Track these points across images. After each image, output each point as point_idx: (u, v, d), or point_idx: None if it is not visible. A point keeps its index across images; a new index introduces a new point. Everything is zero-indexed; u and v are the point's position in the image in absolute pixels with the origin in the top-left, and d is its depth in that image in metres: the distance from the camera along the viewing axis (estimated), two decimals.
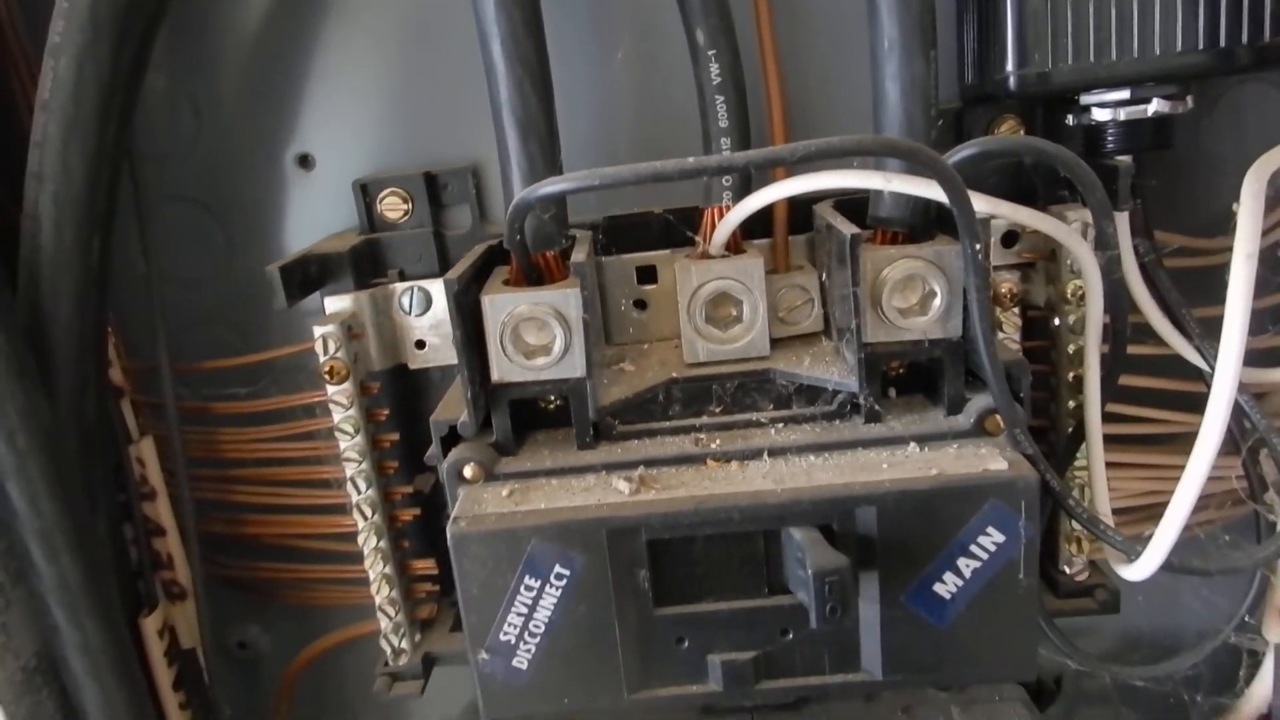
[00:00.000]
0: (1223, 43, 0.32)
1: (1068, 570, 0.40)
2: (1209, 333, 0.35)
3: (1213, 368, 0.34)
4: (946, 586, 0.32)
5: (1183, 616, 0.43)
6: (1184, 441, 0.38)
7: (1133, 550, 0.32)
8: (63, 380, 0.33)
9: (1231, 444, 0.36)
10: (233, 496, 0.44)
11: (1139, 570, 0.32)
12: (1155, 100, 0.33)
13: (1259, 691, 0.40)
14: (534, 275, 0.35)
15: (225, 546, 0.45)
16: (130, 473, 0.41)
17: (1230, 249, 0.31)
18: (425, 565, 0.42)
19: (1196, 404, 0.37)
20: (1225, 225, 0.36)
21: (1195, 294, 0.37)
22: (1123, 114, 0.34)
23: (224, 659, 0.49)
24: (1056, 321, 0.37)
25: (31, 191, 0.32)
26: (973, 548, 0.32)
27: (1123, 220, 0.36)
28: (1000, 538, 0.31)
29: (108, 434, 0.39)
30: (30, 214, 0.32)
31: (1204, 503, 0.39)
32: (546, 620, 0.33)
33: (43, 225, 0.32)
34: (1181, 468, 0.36)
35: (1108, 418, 0.39)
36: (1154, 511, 0.40)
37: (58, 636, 0.34)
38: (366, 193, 0.42)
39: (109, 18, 0.30)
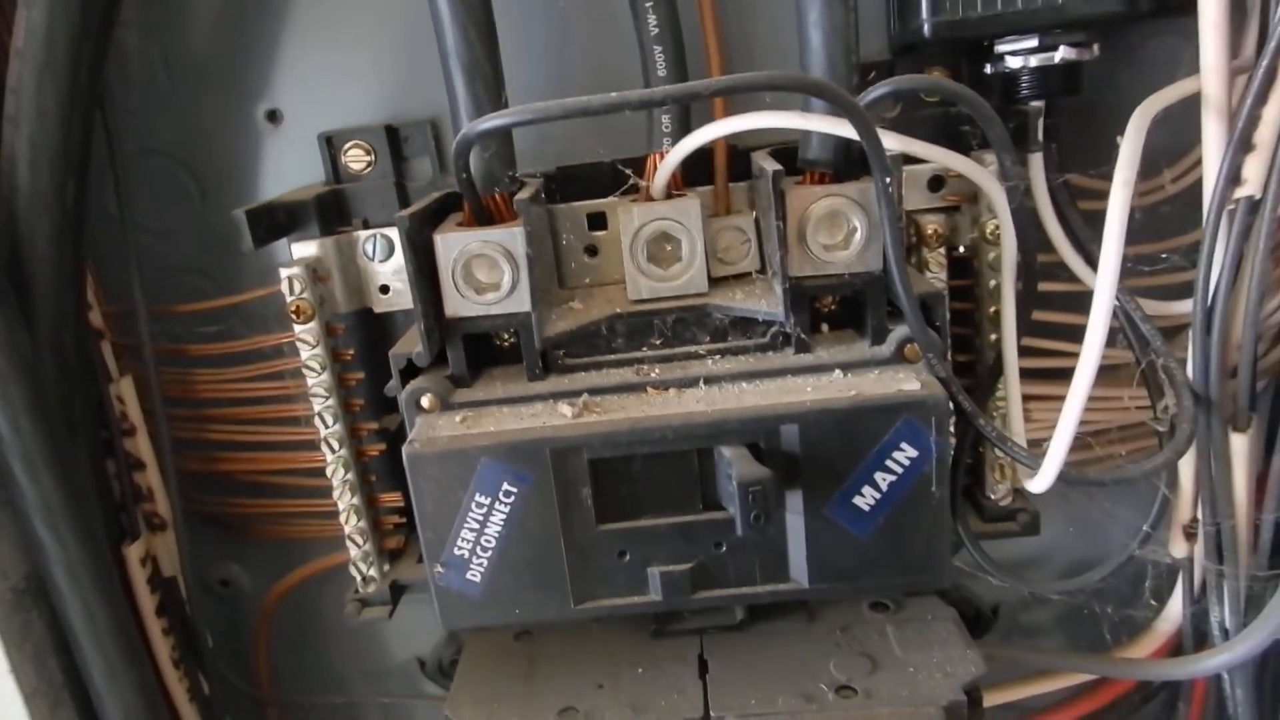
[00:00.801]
0: None
1: (993, 496, 0.43)
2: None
3: (1120, 301, 0.36)
4: (865, 499, 0.35)
5: (1107, 539, 0.45)
6: (1102, 373, 0.41)
7: (1035, 463, 0.34)
8: (41, 313, 0.36)
9: (1141, 376, 0.38)
10: (208, 434, 0.46)
11: (1040, 482, 0.34)
12: (1062, 48, 0.36)
13: (1172, 610, 0.42)
14: (484, 217, 0.38)
15: (202, 484, 0.48)
16: (111, 410, 0.43)
17: (1145, 190, 0.34)
18: (392, 498, 0.45)
19: (1113, 337, 0.40)
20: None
21: None
22: (1033, 61, 0.36)
23: (207, 595, 0.51)
24: (977, 262, 0.40)
25: (8, 135, 0.34)
26: (888, 462, 0.34)
27: (1036, 161, 0.38)
28: (913, 453, 0.34)
29: (89, 372, 0.41)
30: (7, 156, 0.34)
31: (1121, 434, 0.42)
32: (497, 535, 0.35)
33: (18, 167, 0.34)
34: (1099, 397, 0.39)
35: (1031, 352, 0.41)
36: (1077, 440, 0.43)
37: (43, 554, 0.36)
38: (331, 145, 0.44)
39: None
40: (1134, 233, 0.39)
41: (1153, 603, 0.42)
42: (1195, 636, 0.42)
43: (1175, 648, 0.43)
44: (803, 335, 0.37)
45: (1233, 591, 0.38)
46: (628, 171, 0.38)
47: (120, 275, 0.44)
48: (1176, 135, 0.37)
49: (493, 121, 0.31)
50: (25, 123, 0.34)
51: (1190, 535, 0.38)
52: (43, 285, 0.35)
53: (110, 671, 0.38)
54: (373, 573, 0.45)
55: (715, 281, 0.39)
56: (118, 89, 0.43)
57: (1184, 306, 0.37)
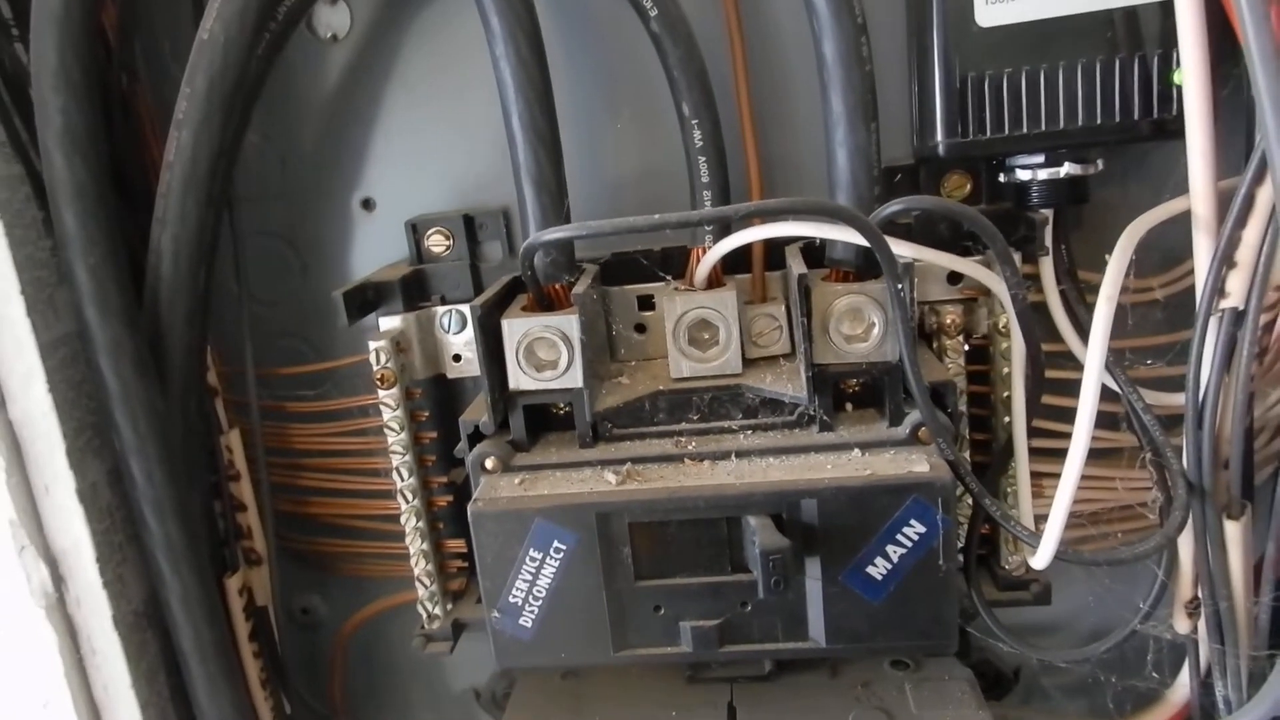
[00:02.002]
0: (1119, 116, 0.38)
1: (1006, 566, 0.46)
2: (1121, 360, 0.41)
3: (1122, 391, 0.40)
4: (878, 569, 0.38)
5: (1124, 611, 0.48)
6: (1110, 456, 0.44)
7: (1036, 540, 0.38)
8: (173, 380, 0.42)
9: (1142, 461, 0.41)
10: (300, 481, 0.52)
11: (1040, 558, 0.37)
12: (1067, 164, 0.39)
13: (1181, 682, 0.45)
14: (546, 303, 0.43)
15: (292, 524, 0.54)
16: (220, 457, 0.49)
17: (1144, 288, 0.37)
18: (456, 544, 0.50)
19: (1117, 422, 0.43)
20: (1144, 268, 0.42)
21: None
22: (1041, 174, 0.40)
23: (290, 623, 0.57)
24: (992, 349, 0.43)
25: (155, 233, 0.41)
26: (899, 536, 0.38)
27: (1046, 264, 0.42)
28: (921, 529, 0.37)
29: (205, 426, 0.47)
30: (154, 250, 0.41)
31: (1122, 514, 0.44)
32: (547, 587, 0.40)
33: (164, 259, 0.41)
34: (1103, 479, 0.42)
35: (1043, 434, 0.45)
36: (1084, 521, 0.46)
37: (162, 584, 0.42)
38: (416, 230, 0.50)
39: (220, 99, 0.39)
40: (1140, 325, 0.43)
41: (1154, 675, 0.44)
42: (1203, 710, 0.44)
43: (1186, 719, 0.45)
44: (825, 417, 0.41)
45: (1233, 669, 0.40)
46: (666, 278, 0.43)
47: (232, 340, 0.51)
48: (1182, 239, 0.41)
49: (553, 235, 0.36)
50: (170, 223, 0.40)
51: (1192, 613, 0.41)
52: (176, 358, 0.42)
53: (213, 689, 0.44)
54: (437, 611, 0.50)
55: (750, 363, 0.44)
56: (240, 179, 0.50)
57: (1182, 398, 0.40)
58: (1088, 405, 0.34)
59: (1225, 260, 0.35)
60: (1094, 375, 0.34)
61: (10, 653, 0.42)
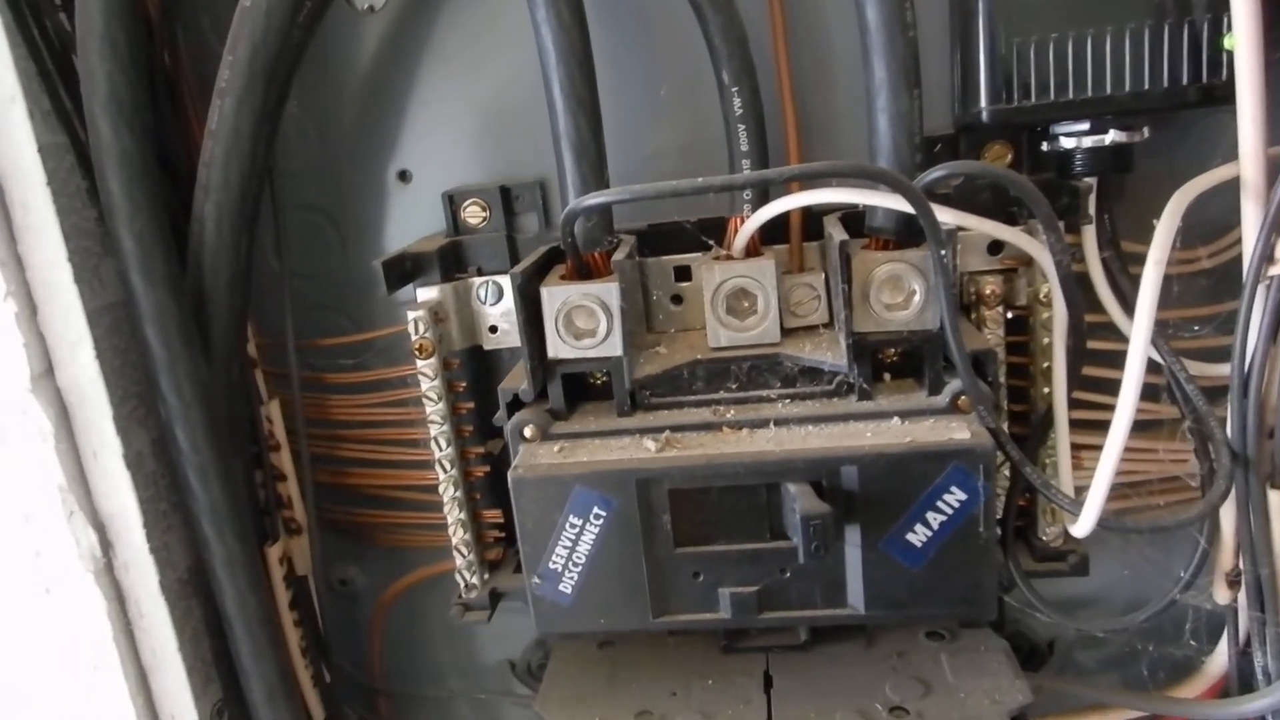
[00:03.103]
0: (1168, 82, 0.38)
1: (1044, 537, 0.46)
2: (1164, 331, 0.41)
3: (1164, 361, 0.39)
4: (917, 536, 0.38)
5: (1160, 582, 0.48)
6: (1151, 427, 0.43)
7: (1076, 509, 0.37)
8: (216, 348, 0.43)
9: (1184, 432, 0.41)
10: (339, 451, 0.53)
11: (1081, 526, 0.37)
12: (1112, 131, 0.39)
13: (1220, 653, 0.45)
14: (584, 271, 0.43)
15: (332, 494, 0.54)
16: (261, 428, 0.50)
17: (1190, 259, 0.37)
18: (494, 514, 0.50)
19: (1159, 393, 0.43)
20: (1190, 238, 0.42)
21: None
22: (1086, 142, 0.40)
23: (330, 592, 0.58)
24: (1032, 320, 0.43)
25: (199, 201, 0.41)
26: (939, 504, 0.38)
27: (1089, 233, 0.42)
28: (962, 496, 0.38)
29: (246, 395, 0.48)
30: (197, 218, 0.41)
31: (1164, 485, 0.44)
32: (587, 553, 0.40)
33: (206, 226, 0.41)
34: (1143, 450, 0.42)
35: (1083, 405, 0.44)
36: (1126, 491, 0.45)
37: (207, 550, 0.43)
38: (453, 202, 0.50)
39: (262, 67, 0.39)
40: (1182, 297, 0.43)
41: (1192, 643, 0.44)
42: (1241, 680, 0.44)
43: (1223, 690, 0.45)
44: (864, 385, 0.41)
45: (1274, 638, 0.40)
46: (710, 242, 0.43)
47: (272, 312, 0.52)
48: (1227, 209, 0.40)
49: (595, 199, 0.36)
50: (214, 190, 0.41)
51: (1233, 583, 0.41)
52: (219, 325, 0.42)
53: (257, 653, 0.44)
54: (475, 580, 0.50)
55: (787, 332, 0.44)
56: (278, 153, 0.51)
57: (1226, 369, 0.40)
58: (1134, 372, 0.34)
59: (1275, 226, 0.34)
60: (1141, 340, 0.34)
61: (60, 616, 0.43)
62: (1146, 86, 0.38)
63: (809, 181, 0.39)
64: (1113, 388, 0.44)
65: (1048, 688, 0.47)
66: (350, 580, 0.58)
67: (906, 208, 0.37)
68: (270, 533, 0.50)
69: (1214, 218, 0.41)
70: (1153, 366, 0.43)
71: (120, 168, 0.39)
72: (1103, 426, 0.44)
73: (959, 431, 0.38)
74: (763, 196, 0.43)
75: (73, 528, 0.41)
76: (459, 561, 0.50)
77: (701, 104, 0.45)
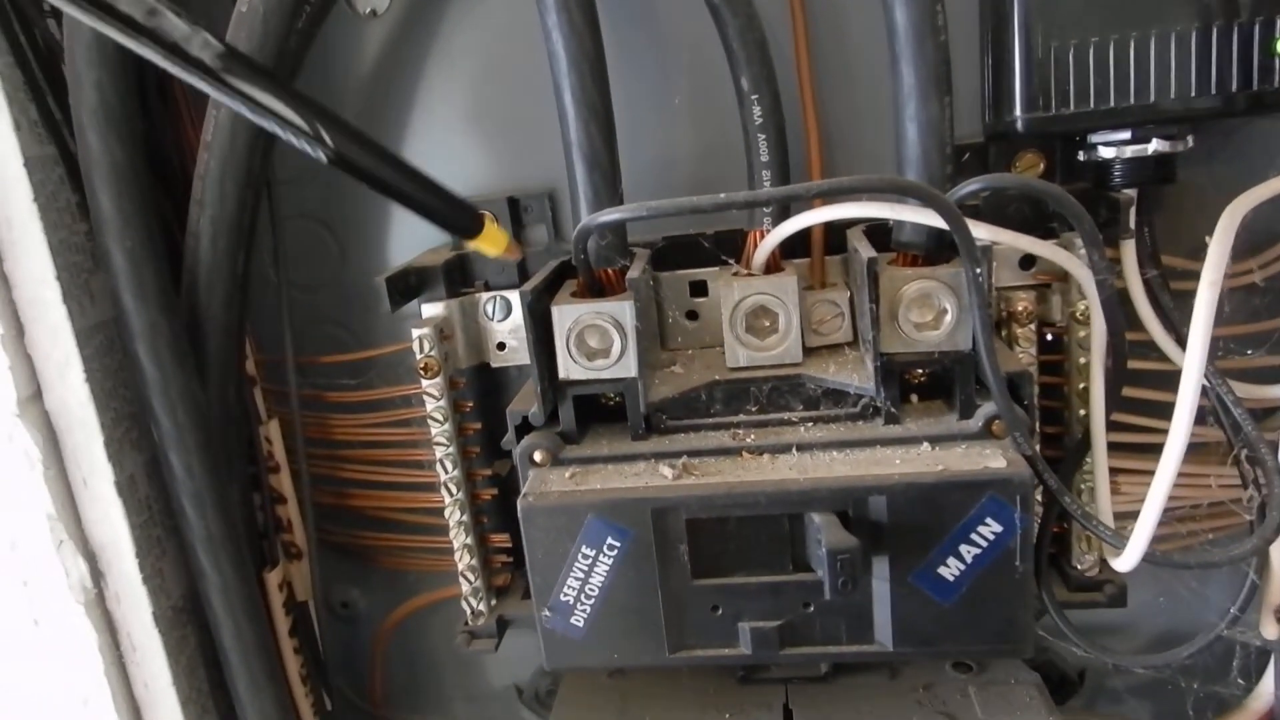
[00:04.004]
0: (1215, 89, 0.35)
1: (1079, 566, 0.44)
2: (1211, 352, 0.38)
3: (1210, 383, 0.37)
4: (950, 569, 0.36)
5: (1199, 611, 0.46)
6: (1192, 451, 0.41)
7: (1120, 542, 0.35)
8: (212, 367, 0.41)
9: (1231, 457, 0.39)
10: (341, 472, 0.51)
11: (1125, 561, 0.35)
12: (1155, 140, 0.37)
13: (1264, 689, 0.42)
14: (597, 288, 0.41)
15: (333, 516, 0.53)
16: (259, 448, 0.48)
17: (1237, 273, 0.35)
18: (501, 539, 0.49)
19: (1203, 416, 0.40)
20: (1238, 249, 0.40)
21: None
22: (1127, 152, 0.38)
23: (330, 616, 0.56)
24: (1067, 338, 0.41)
25: (194, 215, 0.39)
26: (973, 536, 0.36)
27: (1128, 247, 0.39)
28: (998, 528, 0.35)
29: (243, 415, 0.46)
30: (192, 232, 0.40)
31: (1210, 512, 0.42)
32: (600, 585, 0.38)
33: (201, 242, 0.39)
34: (1189, 475, 0.40)
35: (1121, 427, 0.42)
36: (1165, 517, 0.43)
37: (203, 578, 0.41)
38: None
39: None
40: (1229, 314, 0.40)
41: (1240, 682, 0.42)
42: None
43: None
44: (892, 409, 0.39)
45: None
46: (729, 261, 0.41)
47: (271, 327, 0.50)
48: (1274, 220, 0.38)
49: (609, 216, 0.34)
50: (209, 205, 0.39)
51: None
52: (214, 343, 0.40)
53: (253, 685, 0.42)
54: (481, 607, 0.48)
55: (809, 351, 0.42)
56: (277, 162, 0.49)
57: (1277, 391, 0.38)
58: (1186, 404, 0.31)
59: None
60: (1195, 368, 0.31)
61: (50, 649, 0.41)
62: (1193, 94, 0.35)
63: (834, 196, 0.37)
64: (1152, 409, 0.42)
65: None
66: (352, 603, 0.56)
67: (938, 222, 0.35)
68: (269, 558, 0.48)
69: (1262, 227, 0.39)
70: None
71: (110, 181, 0.37)
72: (1141, 450, 0.43)
73: (994, 459, 0.36)
74: (783, 209, 0.41)
75: (62, 557, 0.40)
76: (465, 588, 0.48)
77: (719, 111, 0.43)
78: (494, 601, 0.49)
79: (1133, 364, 0.40)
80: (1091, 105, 0.36)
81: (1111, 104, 0.36)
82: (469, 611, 0.48)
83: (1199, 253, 0.37)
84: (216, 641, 0.43)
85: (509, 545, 0.49)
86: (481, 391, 0.48)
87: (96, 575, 0.41)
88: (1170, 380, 0.41)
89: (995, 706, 0.42)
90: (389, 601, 0.55)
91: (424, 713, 0.58)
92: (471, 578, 0.48)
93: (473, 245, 0.23)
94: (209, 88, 0.17)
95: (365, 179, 0.21)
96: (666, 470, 0.38)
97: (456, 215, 0.23)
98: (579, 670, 0.47)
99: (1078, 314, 0.40)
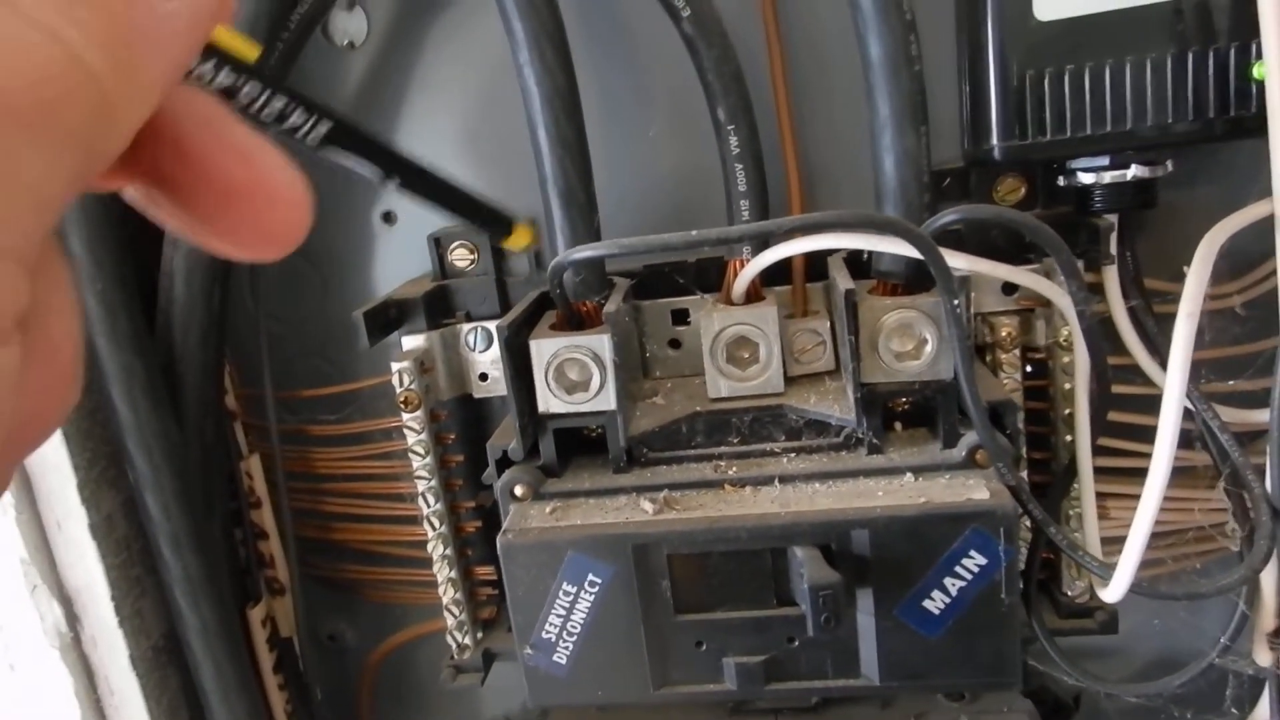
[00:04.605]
0: (1193, 114, 0.35)
1: (1069, 593, 0.43)
2: (1196, 376, 0.38)
3: (1195, 408, 0.37)
4: (935, 603, 0.36)
5: (1193, 636, 0.45)
6: (1178, 475, 0.41)
7: (1107, 573, 0.35)
8: (189, 406, 0.41)
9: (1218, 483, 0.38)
10: (324, 506, 0.51)
11: (1112, 592, 0.35)
12: (1134, 166, 0.37)
13: (1259, 715, 0.42)
14: (576, 320, 0.41)
15: (317, 549, 0.52)
16: (240, 484, 0.48)
17: (1218, 295, 0.34)
18: (486, 571, 0.48)
19: (1190, 440, 0.40)
20: (1218, 273, 0.39)
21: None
22: (1106, 178, 0.37)
23: (316, 649, 0.55)
24: (1052, 364, 0.41)
25: (167, 254, 0.39)
26: (958, 568, 0.35)
27: (1110, 273, 0.39)
28: (982, 560, 0.35)
29: (223, 451, 0.46)
30: (165, 272, 0.39)
31: (1198, 535, 0.42)
32: (582, 621, 0.38)
33: (175, 281, 0.39)
34: (1175, 499, 0.39)
35: (1108, 452, 0.42)
36: (1154, 542, 0.43)
37: (181, 621, 0.41)
38: (439, 245, 0.48)
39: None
40: (1212, 339, 0.40)
41: (1234, 711, 0.41)
42: None
43: None
44: (875, 439, 0.38)
45: None
46: (705, 296, 0.41)
47: (251, 361, 0.49)
48: (1254, 242, 0.38)
49: (583, 253, 0.34)
50: (182, 243, 0.38)
51: (1275, 646, 0.38)
52: (191, 381, 0.40)
53: None
54: (467, 641, 0.48)
55: (791, 381, 0.41)
56: None
57: (1263, 415, 0.38)
58: (1167, 434, 0.31)
59: None
60: (1174, 402, 0.31)
61: (26, 694, 0.40)
62: (1170, 120, 0.35)
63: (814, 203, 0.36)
64: (1138, 433, 0.42)
65: None
66: (339, 635, 0.56)
67: (916, 253, 0.34)
68: (252, 594, 0.48)
69: (1242, 249, 0.38)
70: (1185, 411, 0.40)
71: (80, 223, 0.37)
72: (1129, 474, 0.42)
73: (977, 490, 0.36)
74: (764, 239, 0.40)
75: (36, 602, 0.39)
76: (450, 622, 0.47)
77: (697, 142, 0.43)
78: (480, 635, 0.48)
79: (1118, 388, 0.39)
80: (1069, 133, 0.36)
81: (1088, 131, 0.36)
82: (454, 646, 0.48)
83: (1183, 276, 0.37)
84: (196, 683, 0.42)
85: (494, 578, 0.48)
86: (464, 422, 0.48)
87: (72, 619, 0.40)
88: (1156, 404, 0.40)
89: None
90: (377, 634, 0.55)
91: None
92: (456, 611, 0.47)
93: (507, 244, 0.26)
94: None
95: (425, 199, 0.23)
96: (648, 505, 0.38)
97: (492, 218, 0.26)
98: (564, 708, 0.46)
99: (1061, 340, 0.40)
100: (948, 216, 0.34)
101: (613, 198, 0.42)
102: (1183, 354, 0.31)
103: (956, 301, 0.33)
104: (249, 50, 0.18)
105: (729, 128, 0.39)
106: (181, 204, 0.18)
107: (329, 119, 0.19)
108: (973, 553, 0.35)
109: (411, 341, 0.46)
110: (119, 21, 0.15)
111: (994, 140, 0.37)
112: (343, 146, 0.20)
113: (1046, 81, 0.36)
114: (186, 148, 0.17)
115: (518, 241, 0.27)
